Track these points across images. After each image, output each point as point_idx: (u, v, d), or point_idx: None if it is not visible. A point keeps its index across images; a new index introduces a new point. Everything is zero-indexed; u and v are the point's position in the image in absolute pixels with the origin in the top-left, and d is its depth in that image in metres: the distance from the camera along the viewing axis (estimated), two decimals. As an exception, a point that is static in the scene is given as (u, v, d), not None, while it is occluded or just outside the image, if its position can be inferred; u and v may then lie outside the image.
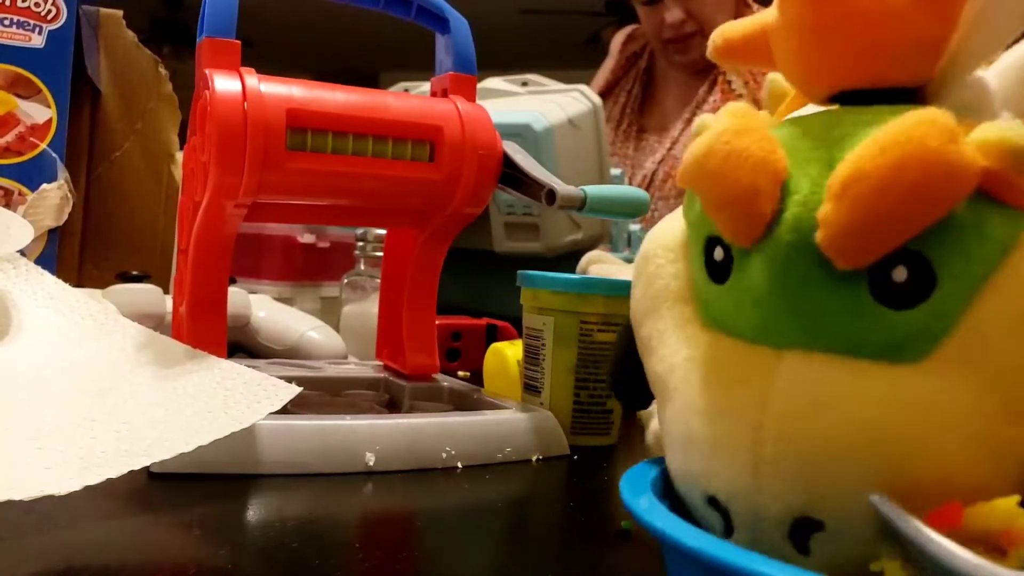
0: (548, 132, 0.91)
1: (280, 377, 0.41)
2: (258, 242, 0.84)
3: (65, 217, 0.69)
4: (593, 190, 0.49)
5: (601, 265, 0.81)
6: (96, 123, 0.76)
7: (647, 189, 1.46)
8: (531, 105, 0.95)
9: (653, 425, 0.43)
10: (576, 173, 0.94)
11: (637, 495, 0.24)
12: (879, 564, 0.20)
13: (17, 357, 0.43)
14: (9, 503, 0.27)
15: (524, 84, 1.06)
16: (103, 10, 0.76)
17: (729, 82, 1.44)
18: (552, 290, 0.52)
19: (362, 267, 0.76)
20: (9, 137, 0.66)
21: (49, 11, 0.67)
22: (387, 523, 0.37)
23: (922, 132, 0.20)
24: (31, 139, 0.67)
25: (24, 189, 0.67)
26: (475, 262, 0.99)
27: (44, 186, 0.67)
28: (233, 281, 0.73)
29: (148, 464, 0.33)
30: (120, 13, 0.77)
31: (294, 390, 0.40)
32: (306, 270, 0.86)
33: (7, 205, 0.66)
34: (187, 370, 0.41)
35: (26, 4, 0.66)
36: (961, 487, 0.21)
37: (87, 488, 0.29)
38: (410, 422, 0.45)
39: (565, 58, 4.34)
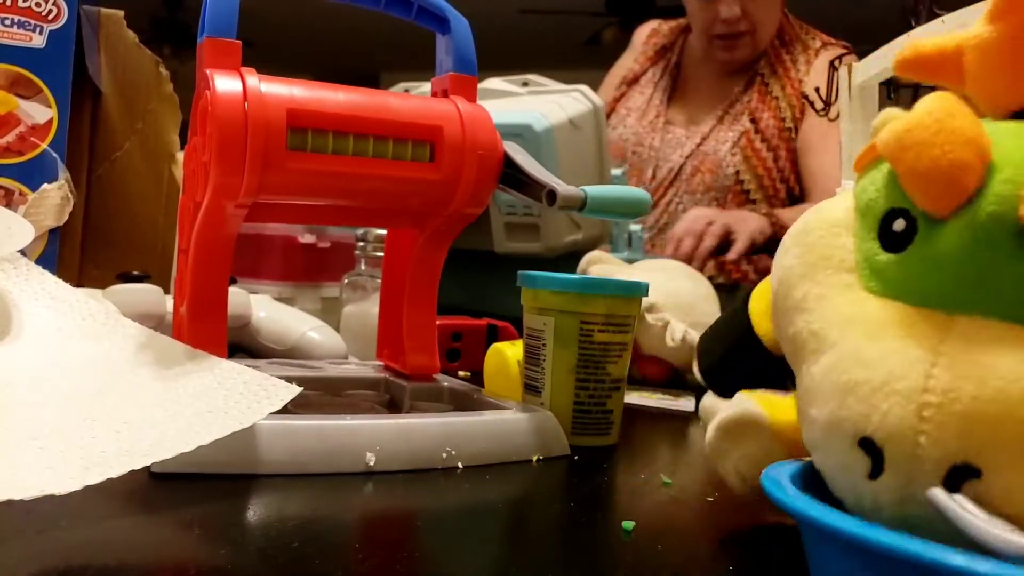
0: (549, 132, 0.91)
1: (280, 377, 0.41)
2: (258, 242, 0.84)
3: (66, 217, 0.69)
4: (593, 190, 0.49)
5: (601, 265, 0.82)
6: (97, 123, 0.76)
7: (673, 182, 1.48)
8: (532, 105, 0.96)
9: (716, 420, 0.43)
10: (576, 173, 0.94)
11: (787, 492, 0.26)
12: None
13: (18, 357, 0.43)
14: (9, 503, 0.28)
15: (524, 84, 1.06)
16: (104, 10, 0.76)
17: (766, 84, 1.45)
18: (552, 290, 0.52)
19: (362, 267, 0.76)
20: (10, 137, 0.66)
21: (50, 11, 0.67)
22: (387, 523, 0.37)
23: None
24: (32, 139, 0.67)
25: (25, 189, 0.67)
26: (475, 262, 0.99)
27: (45, 186, 0.67)
28: (234, 281, 0.73)
29: (149, 464, 0.33)
30: (121, 13, 0.77)
31: (294, 390, 0.40)
32: (307, 270, 0.86)
33: (8, 205, 0.66)
34: (187, 370, 0.41)
35: (27, 4, 0.66)
36: None
37: (87, 488, 0.29)
38: (410, 422, 0.45)
39: (565, 58, 4.35)
